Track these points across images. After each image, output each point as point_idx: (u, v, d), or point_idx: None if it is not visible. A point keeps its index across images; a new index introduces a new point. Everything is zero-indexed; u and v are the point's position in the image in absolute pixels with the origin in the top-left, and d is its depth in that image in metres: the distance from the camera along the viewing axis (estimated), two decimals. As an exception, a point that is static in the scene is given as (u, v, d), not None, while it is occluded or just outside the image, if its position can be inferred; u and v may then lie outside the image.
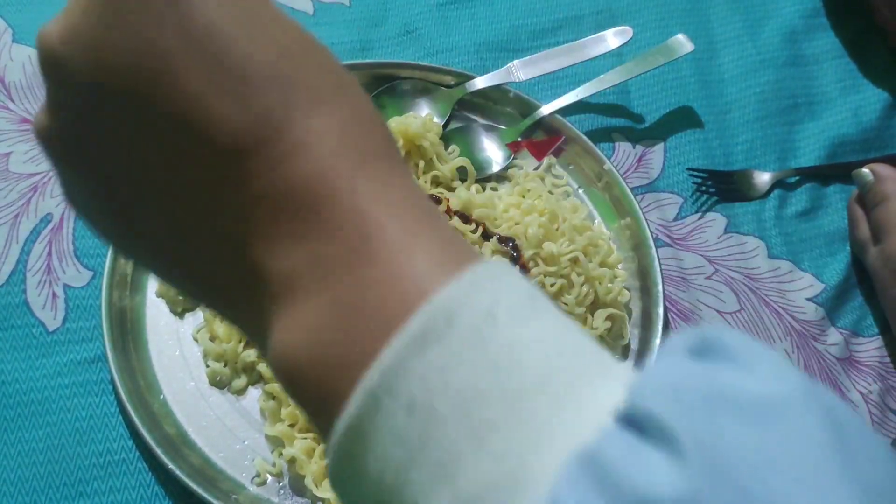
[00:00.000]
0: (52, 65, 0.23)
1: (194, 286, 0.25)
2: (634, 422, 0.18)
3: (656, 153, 0.69)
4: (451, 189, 0.63)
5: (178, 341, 0.57)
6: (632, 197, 0.63)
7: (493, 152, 0.66)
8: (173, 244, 0.23)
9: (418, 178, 0.63)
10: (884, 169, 0.63)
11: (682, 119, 0.71)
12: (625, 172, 0.67)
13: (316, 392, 0.21)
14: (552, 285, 0.57)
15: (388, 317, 0.20)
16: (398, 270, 0.20)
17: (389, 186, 0.22)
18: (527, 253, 0.57)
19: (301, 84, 0.22)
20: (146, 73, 0.21)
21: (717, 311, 0.62)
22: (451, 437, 0.19)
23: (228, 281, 0.23)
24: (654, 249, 0.60)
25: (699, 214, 0.66)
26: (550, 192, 0.64)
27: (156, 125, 0.22)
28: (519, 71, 0.68)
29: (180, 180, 0.22)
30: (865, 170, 0.64)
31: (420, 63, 0.68)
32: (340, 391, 0.20)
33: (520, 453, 0.18)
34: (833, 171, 0.69)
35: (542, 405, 0.19)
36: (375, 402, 0.19)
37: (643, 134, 0.70)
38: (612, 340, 0.58)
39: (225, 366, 0.56)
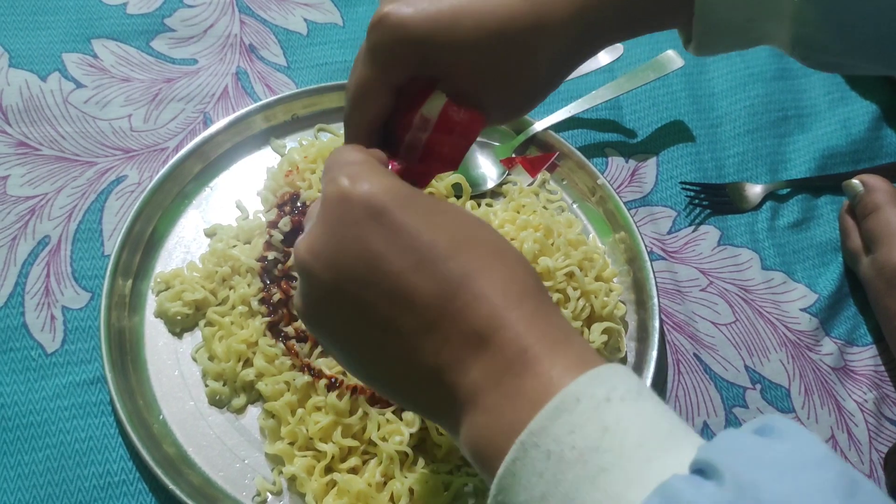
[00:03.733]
0: (302, 267, 0.34)
1: (402, 400, 0.35)
2: (700, 469, 0.26)
3: (649, 167, 0.70)
4: (447, 206, 0.63)
5: (177, 361, 0.57)
6: (626, 211, 0.63)
7: (487, 169, 0.67)
8: (387, 374, 0.34)
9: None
10: (874, 180, 0.64)
11: (673, 133, 0.72)
12: (618, 187, 0.68)
13: (491, 454, 0.30)
14: (548, 300, 0.57)
15: (538, 401, 0.29)
16: (545, 372, 0.30)
17: (538, 317, 0.31)
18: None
19: (471, 256, 0.32)
20: (364, 264, 0.32)
21: (712, 323, 0.63)
22: (575, 475, 0.27)
23: (428, 396, 0.33)
24: (648, 263, 0.61)
25: (693, 227, 0.67)
26: (545, 208, 0.65)
27: (374, 298, 0.32)
28: (512, 88, 0.69)
29: (393, 333, 0.32)
30: (856, 181, 0.65)
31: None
32: (505, 448, 0.29)
33: (621, 489, 0.26)
34: (824, 183, 0.70)
35: (638, 458, 0.27)
36: (524, 452, 0.28)
37: (636, 148, 0.71)
38: (609, 353, 0.59)
39: (224, 385, 0.56)
